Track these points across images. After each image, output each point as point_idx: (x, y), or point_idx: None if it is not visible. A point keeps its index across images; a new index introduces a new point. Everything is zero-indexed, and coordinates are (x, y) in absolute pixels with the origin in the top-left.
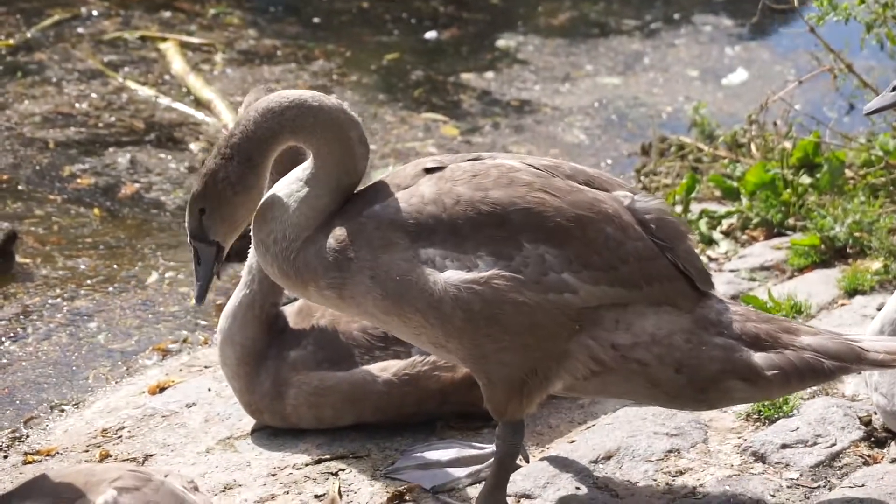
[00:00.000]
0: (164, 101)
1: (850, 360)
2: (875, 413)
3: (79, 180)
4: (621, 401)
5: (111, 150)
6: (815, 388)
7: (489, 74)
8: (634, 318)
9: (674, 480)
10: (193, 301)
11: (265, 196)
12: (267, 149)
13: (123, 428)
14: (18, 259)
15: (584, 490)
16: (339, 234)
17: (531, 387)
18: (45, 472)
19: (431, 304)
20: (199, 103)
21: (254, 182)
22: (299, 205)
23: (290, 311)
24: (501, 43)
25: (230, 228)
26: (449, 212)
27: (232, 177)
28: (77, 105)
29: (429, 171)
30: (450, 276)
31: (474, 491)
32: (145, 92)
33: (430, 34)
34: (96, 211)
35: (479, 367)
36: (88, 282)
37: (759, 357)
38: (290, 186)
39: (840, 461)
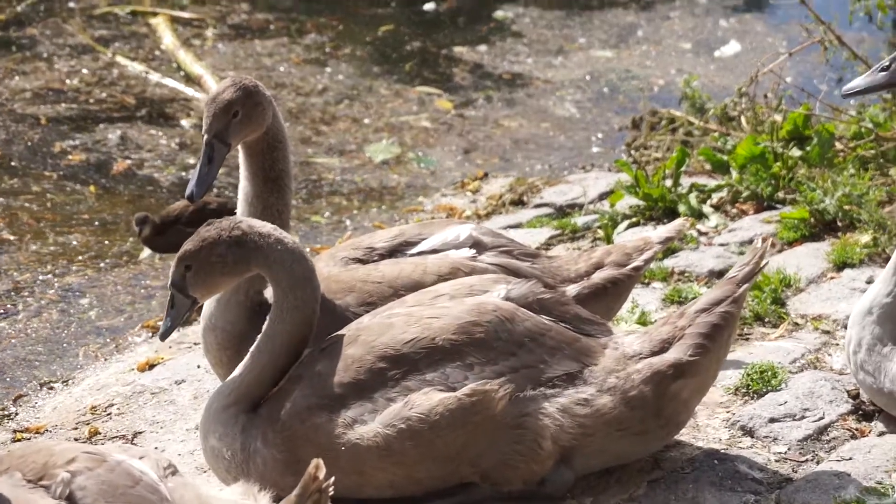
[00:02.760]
0: (155, 76)
1: (732, 290)
2: None
3: (70, 157)
4: None
5: (102, 126)
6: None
7: (482, 47)
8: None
9: (662, 455)
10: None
11: None
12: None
13: (112, 405)
14: (6, 236)
15: None
16: (276, 442)
17: (529, 457)
18: (9, 451)
19: (382, 454)
20: (190, 79)
21: (243, 271)
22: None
23: None
24: (499, 14)
25: (209, 293)
26: (349, 373)
27: (229, 259)
28: (68, 81)
29: (323, 349)
30: (371, 427)
31: None
32: (136, 67)
33: (429, 5)
34: (92, 188)
35: (475, 467)
36: (80, 258)
37: (672, 353)
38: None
39: (828, 435)
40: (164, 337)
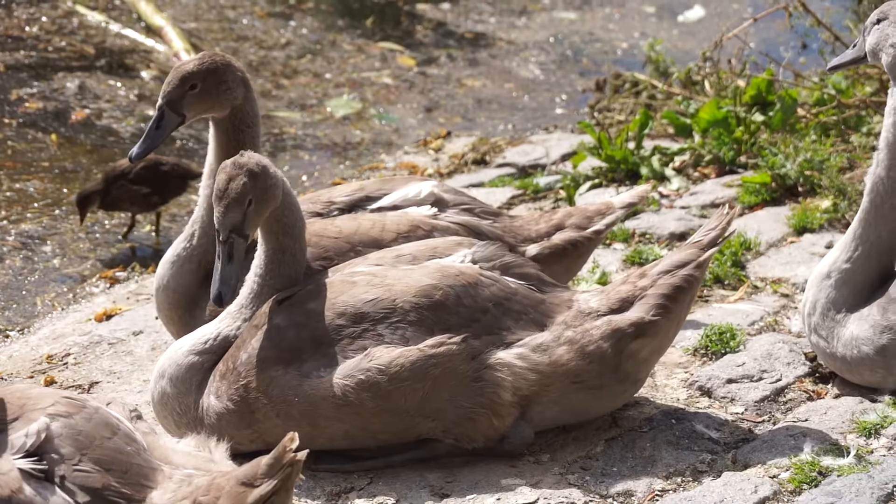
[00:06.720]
0: (115, 27)
1: (696, 255)
2: None
3: (27, 104)
4: None
5: (60, 74)
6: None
7: (445, 5)
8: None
9: (620, 413)
10: (213, 302)
11: None
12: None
13: (69, 354)
14: None
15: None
16: (230, 393)
17: (489, 410)
18: None
19: (338, 404)
20: (151, 30)
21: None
22: None
23: None
24: None
25: (256, 228)
26: (307, 328)
27: (278, 182)
28: (27, 28)
29: (280, 302)
30: (328, 378)
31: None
32: (96, 17)
33: None
34: (53, 136)
35: (439, 421)
36: (35, 205)
37: (633, 312)
38: None
39: (785, 396)
40: (227, 301)
